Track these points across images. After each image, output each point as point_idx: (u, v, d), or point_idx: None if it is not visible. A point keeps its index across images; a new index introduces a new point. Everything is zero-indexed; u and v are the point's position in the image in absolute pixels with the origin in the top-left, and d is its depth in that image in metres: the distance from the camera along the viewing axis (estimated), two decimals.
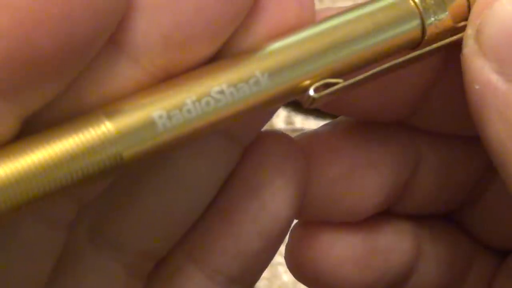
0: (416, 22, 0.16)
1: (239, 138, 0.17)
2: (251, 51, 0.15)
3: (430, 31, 0.16)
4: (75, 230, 0.16)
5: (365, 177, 0.19)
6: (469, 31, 0.15)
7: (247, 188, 0.18)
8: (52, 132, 0.13)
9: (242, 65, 0.14)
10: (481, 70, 0.15)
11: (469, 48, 0.15)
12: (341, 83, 0.15)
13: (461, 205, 0.21)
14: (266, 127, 0.18)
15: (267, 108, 0.15)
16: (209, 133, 0.14)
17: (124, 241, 0.17)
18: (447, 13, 0.16)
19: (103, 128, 0.13)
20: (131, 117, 0.13)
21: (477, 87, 0.15)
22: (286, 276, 0.39)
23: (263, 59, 0.14)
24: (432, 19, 0.16)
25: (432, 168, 0.20)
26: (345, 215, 0.19)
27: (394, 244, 0.20)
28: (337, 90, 0.15)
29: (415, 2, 0.16)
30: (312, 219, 0.20)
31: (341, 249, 0.20)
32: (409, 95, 0.18)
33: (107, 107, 0.13)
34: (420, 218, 0.21)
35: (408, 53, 0.16)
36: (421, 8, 0.15)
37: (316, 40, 0.15)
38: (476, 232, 0.21)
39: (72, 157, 0.13)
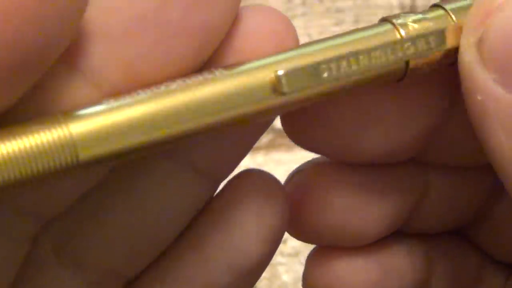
0: (399, 54, 0.16)
1: (212, 174, 0.17)
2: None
3: (414, 62, 0.16)
4: (39, 243, 0.16)
5: (371, 204, 0.19)
6: (470, 39, 0.15)
7: (219, 222, 0.18)
8: (10, 128, 0.13)
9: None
10: (483, 80, 0.15)
11: (470, 57, 0.15)
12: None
13: (470, 221, 0.21)
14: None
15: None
16: (168, 145, 0.14)
17: (88, 259, 0.17)
18: (432, 43, 0.16)
19: (61, 128, 0.13)
20: (91, 118, 0.14)
21: (479, 97, 0.15)
22: (286, 276, 0.40)
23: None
24: (416, 49, 0.16)
25: (440, 191, 0.20)
26: (354, 241, 0.19)
27: (407, 263, 0.20)
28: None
29: (400, 34, 0.16)
30: (325, 244, 0.20)
31: (356, 274, 0.20)
32: (417, 137, 0.18)
33: (67, 110, 0.14)
34: (430, 235, 0.21)
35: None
36: (407, 41, 0.15)
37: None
38: (484, 246, 0.21)
39: (29, 152, 0.13)
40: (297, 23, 0.44)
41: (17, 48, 0.12)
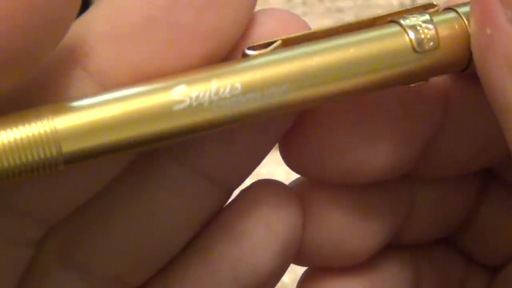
0: (410, 57, 0.15)
1: (223, 182, 0.17)
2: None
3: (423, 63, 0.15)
4: (44, 248, 0.16)
5: (365, 221, 0.19)
6: None
7: (228, 233, 0.17)
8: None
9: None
10: (497, 13, 0.15)
11: None
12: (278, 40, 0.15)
13: (456, 228, 0.21)
14: None
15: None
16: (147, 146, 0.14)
17: (93, 265, 0.17)
18: (439, 45, 0.15)
19: (46, 120, 0.13)
20: (76, 112, 0.14)
21: (488, 31, 0.15)
22: (286, 276, 0.39)
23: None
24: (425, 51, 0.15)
25: (427, 202, 0.20)
26: (349, 259, 0.19)
27: (398, 276, 0.20)
28: (275, 48, 0.15)
29: (409, 38, 0.15)
30: (317, 265, 0.19)
31: None
32: (415, 154, 0.18)
33: (53, 103, 0.14)
34: (417, 245, 0.21)
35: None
36: (414, 43, 0.15)
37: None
38: (469, 251, 0.21)
39: (12, 144, 0.13)
40: None
41: (3, 50, 0.12)
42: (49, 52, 0.13)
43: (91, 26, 0.14)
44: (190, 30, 0.14)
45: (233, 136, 0.16)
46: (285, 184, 0.18)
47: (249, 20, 0.15)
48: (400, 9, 0.16)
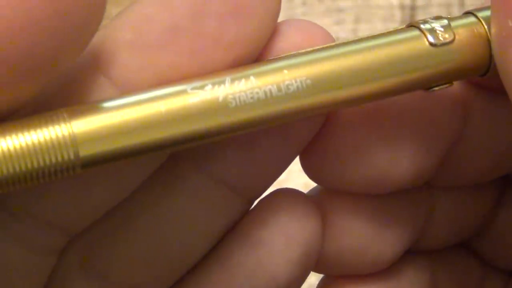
0: (430, 59, 0.16)
1: (245, 191, 0.17)
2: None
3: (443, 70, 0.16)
4: (66, 256, 0.16)
5: (386, 228, 0.19)
6: None
7: (246, 242, 0.17)
8: (12, 123, 0.13)
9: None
10: None
11: None
12: None
13: (474, 233, 0.21)
14: None
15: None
16: (170, 148, 0.14)
17: (113, 274, 0.17)
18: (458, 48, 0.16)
19: (64, 124, 0.13)
20: (94, 115, 0.14)
21: (510, 23, 0.15)
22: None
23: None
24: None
25: (446, 209, 0.20)
26: (369, 267, 0.19)
27: (415, 281, 0.20)
28: None
29: (428, 41, 0.16)
30: (337, 274, 0.20)
31: None
32: (437, 161, 0.18)
33: (71, 107, 0.14)
34: (434, 251, 0.21)
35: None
36: (433, 46, 0.15)
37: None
38: (486, 255, 0.21)
39: (30, 147, 0.13)
40: None
41: (30, 55, 0.12)
42: (74, 59, 0.13)
43: (115, 34, 0.14)
44: (214, 39, 0.14)
45: (254, 145, 0.16)
46: (304, 194, 0.18)
47: (273, 30, 0.15)
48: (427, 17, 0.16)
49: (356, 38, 0.16)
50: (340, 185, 0.18)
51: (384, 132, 0.17)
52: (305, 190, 0.20)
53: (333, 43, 0.16)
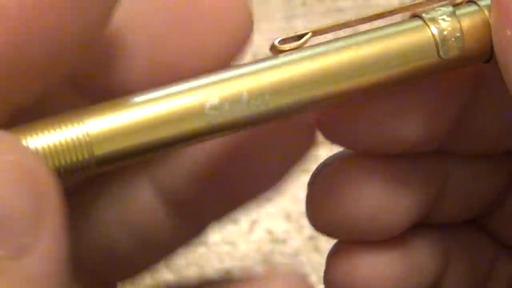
0: (432, 52, 0.16)
1: (182, 207, 0.18)
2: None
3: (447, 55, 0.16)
4: None
5: (398, 195, 0.19)
6: None
7: None
8: (27, 125, 0.14)
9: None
10: None
11: None
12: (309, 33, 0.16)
13: (487, 210, 0.21)
14: None
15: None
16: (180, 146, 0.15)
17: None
18: (463, 38, 0.16)
19: (77, 124, 0.14)
20: (107, 115, 0.14)
21: (509, 33, 0.15)
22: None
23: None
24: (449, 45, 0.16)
25: (460, 181, 0.20)
26: (381, 233, 0.19)
27: (427, 255, 0.20)
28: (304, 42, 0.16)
29: (432, 34, 0.16)
30: (349, 239, 0.20)
31: (381, 270, 0.20)
32: (447, 126, 0.18)
33: (86, 108, 0.14)
34: (447, 226, 0.21)
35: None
36: (437, 38, 0.16)
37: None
38: (498, 234, 0.21)
39: (45, 148, 0.13)
40: (297, 23, 0.44)
41: (55, 37, 0.13)
42: (99, 35, 0.14)
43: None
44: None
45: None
46: (304, 280, 0.17)
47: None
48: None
49: (362, 31, 0.16)
50: (353, 143, 0.19)
51: (396, 95, 0.18)
52: (305, 190, 0.20)
53: (335, 40, 0.16)
